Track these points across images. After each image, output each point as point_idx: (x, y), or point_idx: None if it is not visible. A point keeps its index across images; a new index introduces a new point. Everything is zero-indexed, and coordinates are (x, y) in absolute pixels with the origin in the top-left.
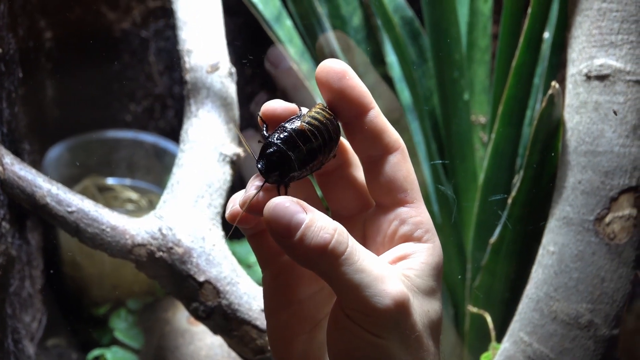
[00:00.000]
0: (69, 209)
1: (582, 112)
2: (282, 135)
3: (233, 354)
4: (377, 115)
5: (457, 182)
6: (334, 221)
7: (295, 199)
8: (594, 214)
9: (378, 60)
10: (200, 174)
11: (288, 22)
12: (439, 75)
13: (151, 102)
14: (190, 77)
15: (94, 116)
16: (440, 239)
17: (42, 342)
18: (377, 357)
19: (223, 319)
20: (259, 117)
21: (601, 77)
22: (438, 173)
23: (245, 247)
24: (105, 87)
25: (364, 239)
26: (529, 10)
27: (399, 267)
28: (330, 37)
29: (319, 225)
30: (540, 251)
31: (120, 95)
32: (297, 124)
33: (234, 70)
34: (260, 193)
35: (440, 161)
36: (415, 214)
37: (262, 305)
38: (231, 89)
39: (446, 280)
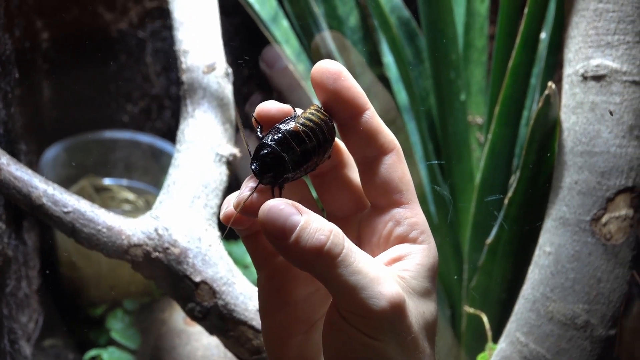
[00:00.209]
0: (65, 210)
1: (579, 112)
2: (276, 137)
3: (229, 355)
4: (372, 116)
5: (453, 182)
6: (330, 222)
7: (290, 201)
8: (591, 215)
9: (375, 60)
10: (196, 175)
11: (285, 23)
12: (436, 76)
13: (148, 102)
14: (186, 77)
15: (91, 117)
16: (437, 240)
17: (38, 343)
18: (372, 358)
19: (219, 319)
20: (253, 118)
21: (597, 78)
22: (435, 173)
23: (241, 248)
24: (102, 88)
25: (359, 240)
26: (526, 11)
27: (394, 269)
28: (326, 37)
29: (315, 227)
30: (537, 251)
31: (117, 96)
32: (291, 125)
33: (230, 70)
34: (254, 194)
35: (437, 161)
36: (411, 215)
37: (258, 306)
38: (227, 89)
39: (443, 280)
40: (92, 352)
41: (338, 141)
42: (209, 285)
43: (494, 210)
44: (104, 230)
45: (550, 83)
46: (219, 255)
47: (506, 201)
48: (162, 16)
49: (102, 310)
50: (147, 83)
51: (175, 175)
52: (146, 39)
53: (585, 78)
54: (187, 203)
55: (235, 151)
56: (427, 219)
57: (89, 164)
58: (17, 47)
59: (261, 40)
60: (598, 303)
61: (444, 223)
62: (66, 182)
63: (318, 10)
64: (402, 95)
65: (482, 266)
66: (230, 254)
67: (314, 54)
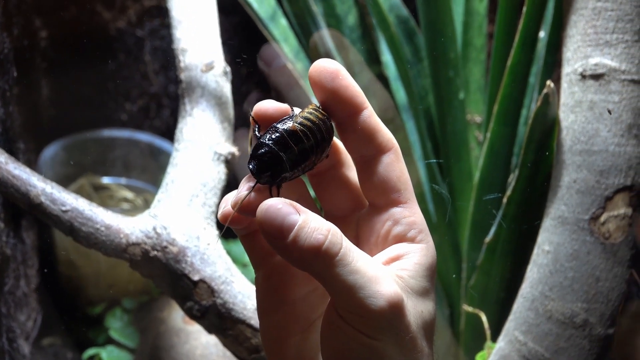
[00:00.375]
0: (63, 208)
1: (577, 111)
2: (273, 136)
3: (228, 353)
4: (370, 115)
5: (452, 181)
6: (328, 222)
7: (287, 200)
8: (589, 213)
9: (373, 59)
10: (194, 173)
11: (283, 21)
12: (434, 75)
13: (146, 101)
14: (184, 76)
15: (89, 115)
16: (436, 239)
17: (37, 341)
18: (370, 358)
19: (217, 318)
20: (250, 118)
21: (596, 76)
22: (433, 172)
23: (240, 247)
24: (100, 86)
25: (357, 240)
26: (524, 10)
27: (392, 268)
28: (325, 35)
29: (312, 226)
30: (536, 250)
31: (115, 95)
32: (289, 124)
33: (228, 69)
34: (252, 194)
35: (436, 160)
36: (409, 214)
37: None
38: (226, 88)
39: (441, 279)
40: (91, 351)
41: (336, 140)
42: (208, 284)
43: (493, 209)
44: (103, 228)
45: (548, 82)
46: (217, 254)
47: (505, 200)
48: (161, 15)
49: (100, 309)
50: (146, 82)
51: (173, 174)
52: (145, 38)
53: (583, 77)
54: (186, 202)
55: (234, 150)
56: (425, 217)
57: (88, 162)
58: (16, 45)
59: (259, 38)
60: (597, 302)
61: (442, 222)
62: (65, 181)
63: (316, 9)
64: (400, 94)
65: (480, 265)
66: (228, 252)
67: (312, 53)
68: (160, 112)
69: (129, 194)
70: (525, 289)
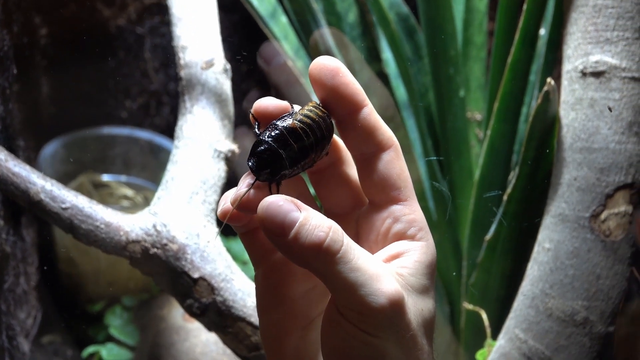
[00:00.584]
0: (63, 206)
1: (578, 108)
2: (273, 133)
3: (228, 351)
4: (370, 113)
5: (452, 178)
6: (329, 219)
7: (289, 197)
8: (590, 211)
9: (373, 56)
10: (194, 171)
11: (283, 19)
12: (435, 72)
13: (146, 98)
14: (184, 73)
15: (89, 113)
16: (436, 236)
17: (37, 339)
18: (371, 356)
19: (217, 315)
20: (250, 115)
21: (597, 74)
22: (433, 170)
23: (240, 244)
24: (100, 84)
25: (357, 237)
26: (525, 7)
27: (392, 266)
28: (325, 33)
29: (314, 223)
30: (536, 248)
31: (115, 92)
32: (288, 121)
33: (228, 66)
34: (252, 191)
35: (436, 158)
36: (409, 211)
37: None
38: (226, 85)
39: (442, 277)
40: (91, 349)
41: (336, 138)
42: (208, 281)
43: (493, 206)
44: (102, 226)
45: (549, 79)
46: (217, 251)
47: (505, 197)
48: (161, 12)
49: (100, 307)
50: (146, 79)
51: (173, 172)
52: (145, 35)
53: (584, 74)
54: (186, 199)
55: (234, 147)
56: (426, 215)
57: (88, 160)
58: (16, 43)
59: (260, 36)
60: (597, 300)
61: (442, 219)
62: (64, 178)
63: (317, 7)
64: (401, 92)
65: (481, 263)
66: (228, 250)
67: (312, 51)
68: (160, 109)
69: (128, 192)
70: (526, 287)
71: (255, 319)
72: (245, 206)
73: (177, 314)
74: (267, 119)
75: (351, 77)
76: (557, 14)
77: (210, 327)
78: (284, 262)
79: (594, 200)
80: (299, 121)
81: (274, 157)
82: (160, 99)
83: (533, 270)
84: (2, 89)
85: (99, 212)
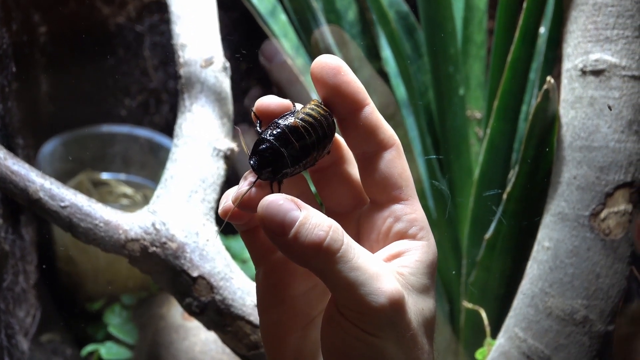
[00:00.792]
0: (62, 204)
1: (578, 107)
2: (274, 132)
3: (227, 350)
4: (372, 112)
5: (452, 177)
6: (329, 218)
7: (289, 196)
8: (589, 210)
9: (373, 55)
10: (194, 169)
11: (283, 17)
12: (435, 70)
13: (146, 96)
14: (184, 71)
15: (89, 111)
16: (435, 235)
17: (36, 338)
18: (371, 355)
19: (217, 314)
20: (252, 113)
21: (596, 72)
22: (433, 168)
23: (239, 243)
24: (99, 82)
25: (358, 236)
26: (525, 5)
27: (393, 265)
28: (325, 31)
29: (314, 222)
30: (535, 247)
31: (114, 90)
32: (290, 120)
33: (228, 64)
34: (253, 189)
35: (436, 156)
36: (410, 211)
37: (255, 301)
38: (225, 83)
39: (441, 275)
40: (90, 347)
41: (338, 136)
42: (207, 280)
43: (493, 205)
44: (101, 224)
45: (549, 78)
46: (216, 250)
47: (505, 196)
48: (160, 10)
49: (99, 305)
50: (145, 77)
51: (172, 170)
52: (144, 33)
53: (584, 73)
54: (185, 198)
55: (233, 145)
56: (425, 214)
57: (87, 158)
58: (15, 41)
59: (259, 34)
60: (597, 298)
61: (442, 218)
62: (64, 177)
63: (316, 5)
64: (400, 90)
65: (480, 261)
66: (228, 248)
67: (313, 49)
68: (159, 107)
69: (128, 190)
70: (525, 286)
71: (254, 317)
72: (246, 205)
73: (176, 312)
74: (269, 118)
75: (353, 75)
76: (557, 12)
77: (209, 325)
78: (285, 261)
79: (593, 199)
80: (300, 120)
81: (276, 155)
82: (160, 97)
83: (533, 269)
84: (1, 87)
85: (98, 210)
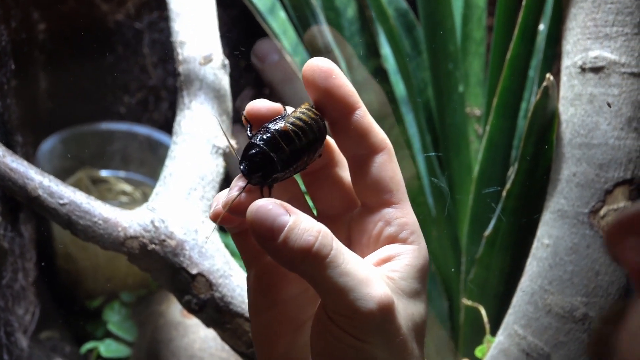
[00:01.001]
0: (61, 202)
1: (577, 104)
2: (264, 137)
3: (226, 347)
4: (364, 115)
5: (451, 174)
6: (318, 223)
7: (278, 201)
8: (589, 207)
9: (372, 52)
10: (193, 166)
11: (282, 14)
12: (434, 68)
13: (145, 94)
14: (183, 68)
15: (88, 108)
16: (435, 232)
17: (35, 335)
18: None
19: (216, 311)
20: (243, 117)
21: (596, 69)
22: (432, 165)
23: None
24: (98, 79)
25: (349, 240)
26: (524, 2)
27: (383, 269)
28: (321, 29)
29: (303, 227)
30: (535, 244)
31: (113, 87)
32: (280, 124)
33: (227, 62)
34: (243, 194)
35: (435, 154)
36: (401, 215)
37: None
38: (224, 81)
39: (440, 273)
40: (89, 345)
41: (329, 140)
42: (206, 277)
43: (492, 202)
44: (100, 222)
45: (548, 75)
46: (215, 247)
47: (504, 193)
48: (159, 7)
49: (98, 303)
50: (144, 74)
51: (171, 167)
52: (143, 30)
53: (583, 70)
54: (184, 195)
55: (232, 143)
56: (424, 211)
57: (86, 155)
58: (14, 38)
59: (258, 32)
60: (596, 296)
61: (441, 215)
62: (63, 174)
63: (315, 2)
64: (400, 87)
65: (480, 259)
66: (227, 246)
67: (307, 47)
68: (158, 105)
69: (127, 187)
70: (525, 283)
71: None
72: (236, 209)
73: (175, 309)
74: (260, 122)
75: (344, 78)
76: (556, 10)
77: (208, 323)
78: (276, 264)
79: (593, 196)
80: (290, 124)
81: (266, 160)
82: (159, 94)
83: (532, 266)
84: (0, 85)
85: (97, 208)
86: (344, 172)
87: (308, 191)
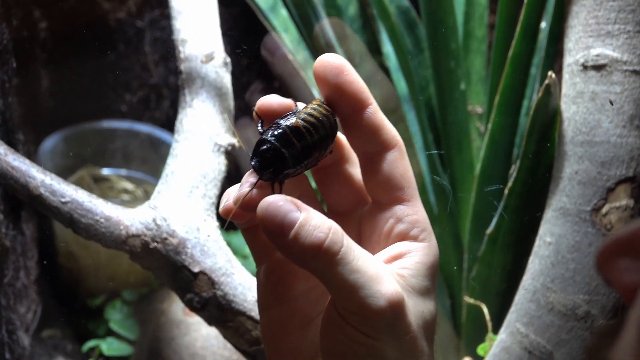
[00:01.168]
0: (63, 200)
1: (579, 102)
2: (276, 132)
3: (229, 345)
4: (375, 112)
5: (453, 172)
6: (329, 219)
7: (289, 197)
8: (591, 205)
9: (374, 50)
10: (194, 165)
11: (283, 12)
12: (436, 65)
13: (146, 92)
14: (184, 66)
15: (89, 106)
16: (437, 230)
17: (37, 333)
18: (370, 357)
19: (218, 310)
20: (254, 112)
21: (598, 67)
22: (434, 163)
23: (240, 238)
24: (100, 77)
25: (359, 237)
26: (526, 0)
27: (393, 267)
28: (326, 25)
29: (313, 224)
30: (537, 242)
31: (115, 86)
32: (291, 120)
33: (228, 60)
34: (254, 190)
35: (437, 151)
36: (412, 212)
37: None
38: (226, 78)
39: (442, 271)
40: (91, 343)
41: (340, 136)
42: (208, 275)
43: (494, 200)
44: (102, 220)
45: (550, 72)
46: (217, 245)
47: (506, 191)
48: (161, 5)
49: (100, 301)
50: (146, 72)
51: (173, 165)
52: (144, 29)
53: (585, 67)
54: (186, 193)
55: (234, 141)
56: (426, 209)
57: (88, 154)
58: (15, 36)
59: (260, 29)
60: (598, 294)
61: (443, 213)
62: (64, 172)
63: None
64: (401, 85)
65: (482, 256)
66: (229, 244)
67: (314, 43)
68: (160, 103)
69: (129, 185)
70: (527, 281)
71: (255, 313)
72: (247, 205)
73: (177, 308)
74: (271, 117)
75: (356, 75)
76: (558, 7)
77: (210, 321)
78: (286, 260)
79: (595, 194)
80: (302, 120)
81: (277, 156)
82: (160, 92)
83: (534, 264)
84: (2, 83)
85: (99, 206)
86: (355, 168)
87: (319, 188)
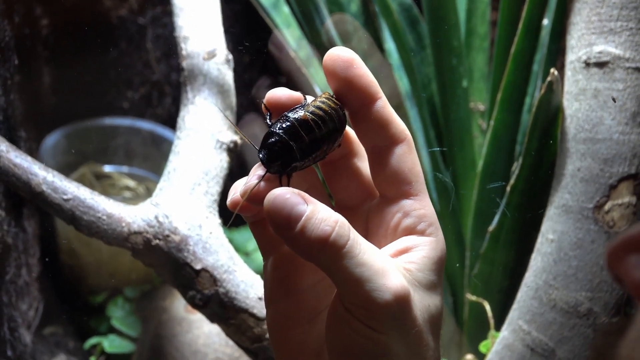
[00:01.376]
0: (65, 197)
1: (581, 99)
2: (284, 125)
3: (231, 342)
4: (384, 106)
5: (455, 169)
6: (336, 213)
7: (296, 190)
8: (593, 202)
9: (376, 47)
10: (197, 162)
11: (285, 9)
12: (438, 63)
13: (148, 89)
14: (186, 64)
15: (91, 103)
16: None
17: (38, 331)
18: (376, 352)
19: (220, 307)
20: (262, 105)
21: (600, 64)
22: (437, 161)
23: (242, 235)
24: (102, 75)
25: (367, 231)
26: None
27: (400, 261)
28: (333, 21)
29: (320, 217)
30: (539, 239)
31: (117, 83)
32: (300, 113)
33: (230, 57)
34: (262, 183)
35: (439, 149)
36: (419, 206)
37: (259, 294)
38: (228, 75)
39: (445, 268)
40: (93, 340)
41: (349, 130)
42: (210, 272)
43: (496, 197)
44: (104, 217)
45: (552, 70)
46: (219, 242)
47: (508, 188)
48: (163, 2)
49: (102, 298)
50: (148, 69)
51: (175, 162)
52: (146, 25)
53: (587, 65)
54: (188, 190)
55: (236, 138)
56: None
57: (89, 151)
58: (17, 33)
59: (262, 26)
60: (601, 291)
61: (446, 210)
62: (66, 170)
63: None
64: (404, 82)
65: (484, 254)
66: (231, 241)
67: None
68: (162, 100)
69: (130, 183)
70: (529, 278)
71: (257, 310)
72: (254, 198)
73: (179, 305)
74: (280, 110)
75: (365, 68)
76: (560, 4)
77: (212, 318)
78: (293, 254)
79: (597, 191)
80: (310, 113)
81: (285, 149)
82: (162, 89)
83: (536, 262)
84: (4, 80)
85: (101, 203)
86: (363, 162)
87: (326, 181)
